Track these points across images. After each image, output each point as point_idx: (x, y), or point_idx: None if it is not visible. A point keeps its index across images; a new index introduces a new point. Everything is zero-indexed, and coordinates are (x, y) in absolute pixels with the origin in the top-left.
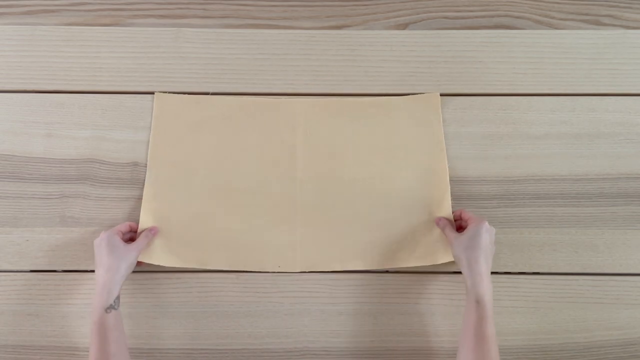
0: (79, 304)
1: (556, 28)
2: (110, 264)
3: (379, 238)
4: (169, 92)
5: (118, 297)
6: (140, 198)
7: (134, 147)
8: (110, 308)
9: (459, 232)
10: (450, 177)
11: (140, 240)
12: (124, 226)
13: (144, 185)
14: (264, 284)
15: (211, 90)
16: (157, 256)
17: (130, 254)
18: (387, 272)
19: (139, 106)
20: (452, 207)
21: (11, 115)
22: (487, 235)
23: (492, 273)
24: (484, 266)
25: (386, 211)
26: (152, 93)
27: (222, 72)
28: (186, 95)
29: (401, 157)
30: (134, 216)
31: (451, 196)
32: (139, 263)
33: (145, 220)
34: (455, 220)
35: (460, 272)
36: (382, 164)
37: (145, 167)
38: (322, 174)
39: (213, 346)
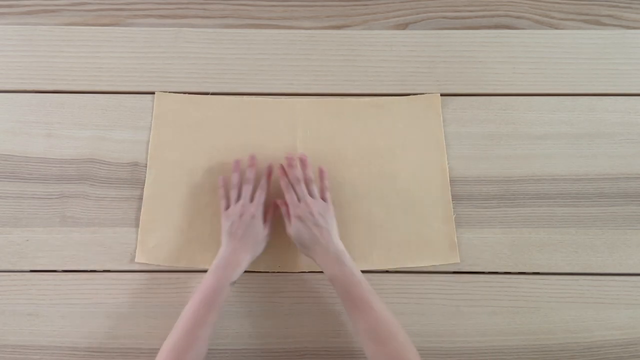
0: (79, 304)
1: (556, 28)
2: (254, 244)
3: (379, 238)
4: (169, 92)
5: None
6: (140, 198)
7: (134, 147)
8: (233, 283)
9: None
10: (450, 177)
11: (268, 224)
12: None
13: (144, 185)
14: (264, 284)
15: (211, 90)
16: (157, 256)
17: (266, 241)
18: (387, 272)
19: (139, 106)
20: (452, 207)
21: (11, 115)
22: (301, 229)
23: (492, 273)
24: (313, 252)
25: (386, 211)
26: (152, 93)
27: (222, 72)
28: (186, 95)
29: (401, 157)
30: (134, 216)
31: (451, 196)
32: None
33: (145, 220)
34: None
35: (460, 272)
36: (382, 164)
37: (145, 167)
38: None
39: (213, 346)
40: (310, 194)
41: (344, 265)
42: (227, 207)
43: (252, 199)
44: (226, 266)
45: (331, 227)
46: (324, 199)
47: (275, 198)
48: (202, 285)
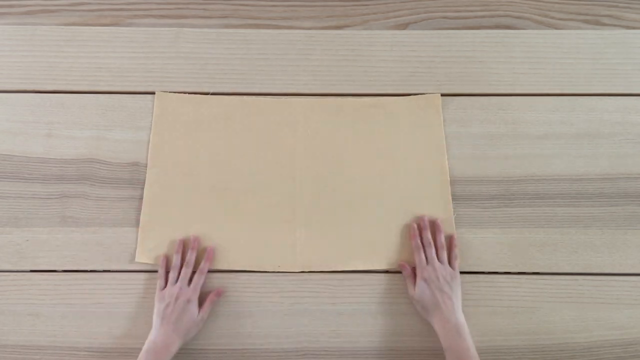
0: (79, 304)
1: (556, 28)
2: (187, 329)
3: (379, 238)
4: (169, 92)
5: None
6: (140, 198)
7: (134, 147)
8: None
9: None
10: (450, 177)
11: (205, 309)
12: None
13: (144, 185)
14: (264, 284)
15: (211, 90)
16: (157, 256)
17: (199, 326)
18: (387, 272)
19: (139, 106)
20: (452, 207)
21: (11, 115)
22: (434, 286)
23: (492, 273)
24: (437, 318)
25: (386, 211)
26: (152, 93)
27: (222, 72)
28: (186, 95)
29: (401, 157)
30: (134, 216)
31: (451, 196)
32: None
33: (145, 220)
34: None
35: (460, 272)
36: (382, 164)
37: (145, 167)
38: (322, 174)
39: (213, 346)
40: (439, 259)
41: (462, 339)
42: (164, 287)
43: (189, 283)
44: (156, 351)
45: (455, 296)
46: (452, 267)
47: (211, 286)
48: None
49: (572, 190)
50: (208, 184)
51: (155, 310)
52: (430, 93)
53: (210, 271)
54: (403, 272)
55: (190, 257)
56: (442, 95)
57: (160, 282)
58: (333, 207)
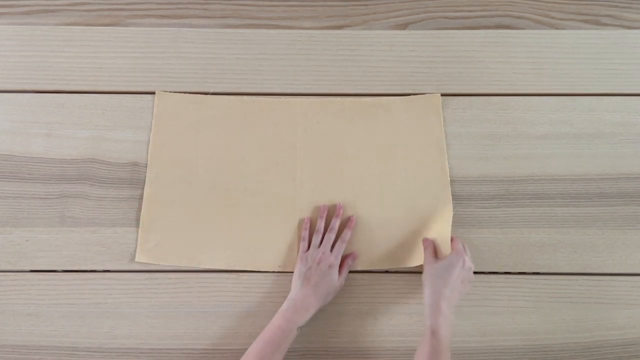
0: (79, 304)
1: (556, 28)
2: (326, 294)
3: (379, 238)
4: (169, 92)
5: None
6: (140, 198)
7: (134, 147)
8: (300, 327)
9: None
10: (450, 177)
11: (343, 274)
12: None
13: (144, 185)
14: (264, 284)
15: (211, 90)
16: (157, 256)
17: (337, 292)
18: (387, 272)
19: (139, 106)
20: (452, 207)
21: (11, 115)
22: (460, 271)
23: (492, 273)
24: (445, 300)
25: (386, 211)
26: (152, 93)
27: (222, 72)
28: (186, 94)
29: (401, 157)
30: (134, 216)
31: (451, 196)
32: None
33: (145, 220)
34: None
35: None
36: (382, 164)
37: (145, 167)
38: (322, 174)
39: (213, 346)
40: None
41: (449, 330)
42: (306, 250)
43: (332, 249)
44: (296, 310)
45: (460, 294)
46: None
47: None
48: (270, 326)
49: (572, 190)
50: (208, 184)
51: (296, 271)
52: (430, 93)
53: (210, 271)
54: (424, 244)
55: (334, 223)
56: (442, 95)
57: (303, 244)
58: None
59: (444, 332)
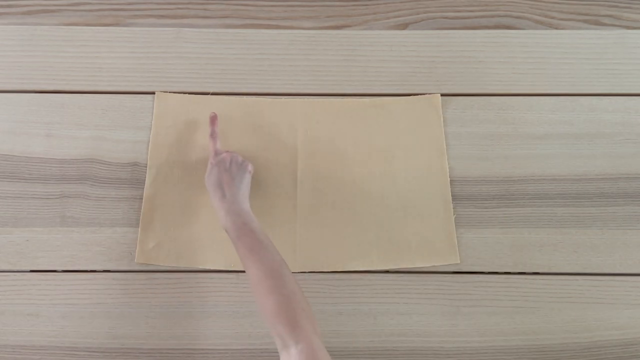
0: (79, 304)
1: (556, 28)
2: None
3: (379, 238)
4: (170, 92)
5: None
6: (140, 198)
7: (134, 147)
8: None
9: None
10: (450, 177)
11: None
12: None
13: (144, 185)
14: None
15: (211, 90)
16: (157, 256)
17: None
18: (387, 272)
19: (139, 106)
20: (452, 207)
21: (11, 115)
22: (213, 168)
23: (492, 273)
24: (215, 198)
25: (386, 211)
26: (152, 93)
27: (222, 72)
28: (187, 95)
29: (401, 157)
30: (134, 216)
31: (451, 196)
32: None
33: (145, 220)
34: None
35: (460, 272)
36: (382, 164)
37: (145, 167)
38: (322, 174)
39: (212, 346)
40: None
41: (232, 222)
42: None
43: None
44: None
45: (240, 182)
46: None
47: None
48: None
49: (572, 190)
50: None
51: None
52: (430, 93)
53: (210, 271)
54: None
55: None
56: (442, 95)
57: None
58: (333, 207)
59: (229, 226)
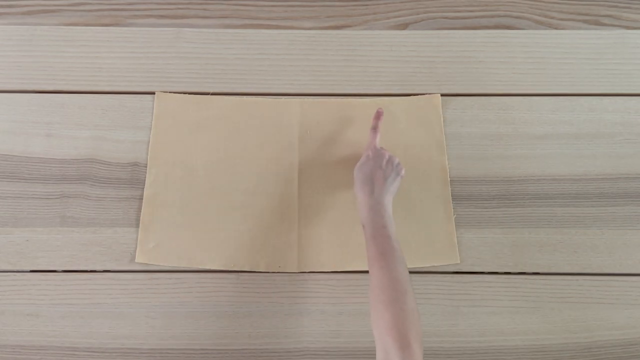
0: (79, 304)
1: (556, 28)
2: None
3: None
4: (170, 92)
5: None
6: (140, 198)
7: (134, 147)
8: None
9: None
10: (450, 177)
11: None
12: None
13: (144, 185)
14: (264, 284)
15: (211, 90)
16: (157, 256)
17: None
18: None
19: (139, 106)
20: (452, 207)
21: (11, 115)
22: (369, 161)
23: (492, 273)
24: (361, 191)
25: None
26: (152, 93)
27: (222, 72)
28: (186, 95)
29: (401, 157)
30: (134, 216)
31: (451, 196)
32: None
33: (145, 220)
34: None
35: (460, 272)
36: None
37: (145, 167)
38: (322, 174)
39: (213, 346)
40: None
41: (380, 216)
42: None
43: None
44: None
45: (390, 182)
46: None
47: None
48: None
49: (572, 190)
50: (208, 184)
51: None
52: (430, 93)
53: (210, 271)
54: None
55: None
56: (442, 95)
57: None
58: (333, 207)
59: (366, 222)
